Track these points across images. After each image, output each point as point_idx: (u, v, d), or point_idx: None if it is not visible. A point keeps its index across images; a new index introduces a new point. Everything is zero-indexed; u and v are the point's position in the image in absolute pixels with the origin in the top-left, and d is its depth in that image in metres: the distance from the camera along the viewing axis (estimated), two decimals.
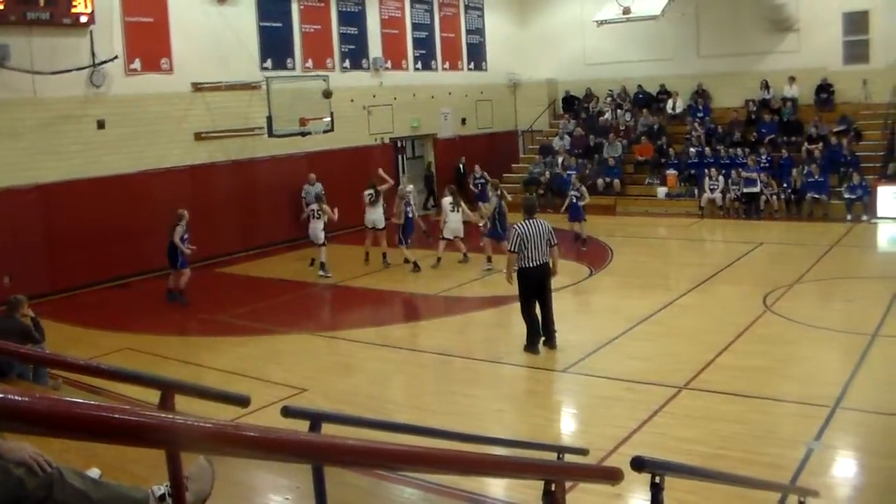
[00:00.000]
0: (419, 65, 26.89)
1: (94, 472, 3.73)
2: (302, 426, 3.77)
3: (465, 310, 14.88)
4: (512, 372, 11.33)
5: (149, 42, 18.63)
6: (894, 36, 25.51)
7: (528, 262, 11.52)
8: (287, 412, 4.09)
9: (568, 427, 9.69)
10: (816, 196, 23.14)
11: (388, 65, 25.37)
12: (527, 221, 11.65)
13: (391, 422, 5.00)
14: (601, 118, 29.39)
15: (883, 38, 25.78)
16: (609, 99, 29.88)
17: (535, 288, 11.74)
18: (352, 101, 23.73)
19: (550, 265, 11.78)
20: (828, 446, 8.37)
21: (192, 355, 12.28)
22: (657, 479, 3.66)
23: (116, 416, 1.83)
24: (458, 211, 18.00)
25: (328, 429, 3.87)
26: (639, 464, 3.50)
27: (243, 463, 4.57)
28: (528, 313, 11.81)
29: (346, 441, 2.40)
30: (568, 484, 5.55)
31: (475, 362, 11.72)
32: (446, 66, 28.10)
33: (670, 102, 28.73)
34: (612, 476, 4.08)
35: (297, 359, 12.40)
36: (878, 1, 25.73)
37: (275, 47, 21.74)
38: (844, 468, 8.23)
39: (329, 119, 21.08)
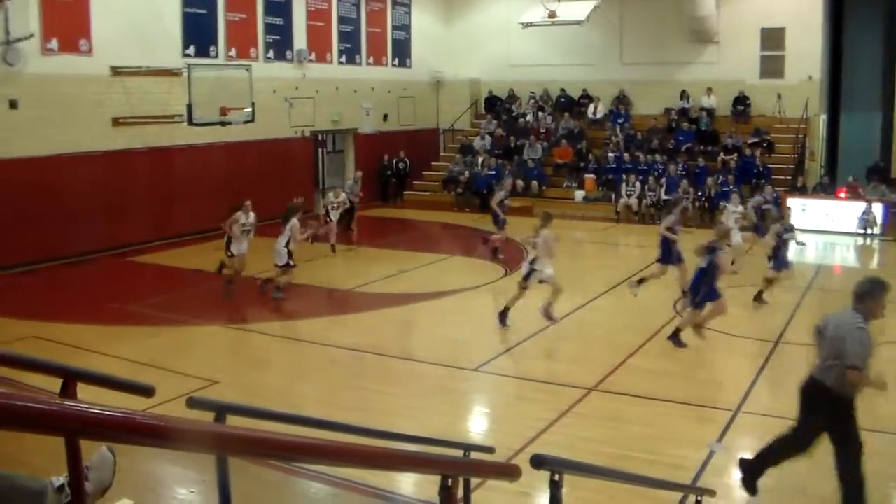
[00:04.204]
0: (343, 59, 26.81)
1: None
2: (208, 418, 3.75)
3: (378, 306, 14.86)
4: (423, 369, 11.37)
5: (67, 22, 18.19)
6: (807, 53, 26.45)
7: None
8: (192, 403, 4.08)
9: (477, 425, 9.77)
10: None
11: (313, 57, 25.24)
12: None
13: (296, 415, 4.97)
14: (522, 120, 29.66)
15: (797, 54, 26.64)
16: (531, 101, 30.17)
17: None
18: (274, 92, 23.53)
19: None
20: (729, 448, 8.62)
21: (101, 345, 12.01)
22: (556, 477, 3.73)
23: (13, 402, 1.82)
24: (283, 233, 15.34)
25: (234, 421, 3.86)
26: (538, 461, 3.58)
27: (150, 455, 4.53)
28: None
29: (237, 430, 2.41)
30: (475, 482, 5.63)
31: (387, 359, 11.71)
32: (371, 61, 28.08)
33: (591, 107, 29.14)
34: (509, 472, 4.15)
35: (210, 351, 12.28)
36: (794, 19, 26.51)
37: (198, 34, 21.42)
38: None
39: (250, 109, 20.90)
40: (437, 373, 11.19)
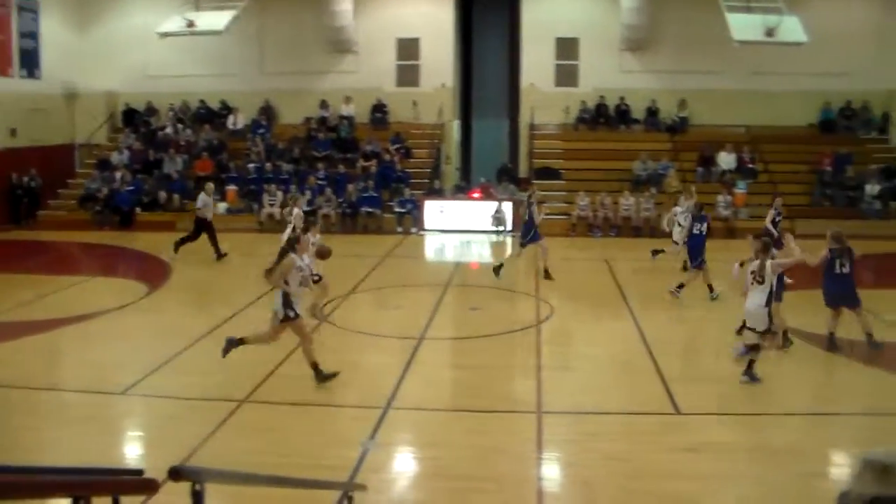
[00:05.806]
0: None
1: None
2: None
3: (16, 335, 13.86)
4: (70, 398, 10.93)
5: None
6: (440, 63, 28.42)
7: None
8: None
9: (129, 450, 9.58)
10: (370, 210, 24.78)
11: None
12: None
13: None
14: (162, 133, 29.16)
15: (431, 64, 28.53)
16: (171, 113, 29.71)
17: None
18: None
19: None
20: (382, 444, 9.15)
21: None
22: (198, 487, 3.79)
23: None
24: None
25: None
26: (175, 473, 3.64)
27: None
28: None
29: None
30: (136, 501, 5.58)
31: (30, 391, 11.08)
32: None
33: (231, 118, 29.14)
34: (145, 488, 4.19)
35: None
36: (427, 30, 28.38)
37: None
38: (397, 461, 9.05)
39: None
40: (84, 401, 10.81)
